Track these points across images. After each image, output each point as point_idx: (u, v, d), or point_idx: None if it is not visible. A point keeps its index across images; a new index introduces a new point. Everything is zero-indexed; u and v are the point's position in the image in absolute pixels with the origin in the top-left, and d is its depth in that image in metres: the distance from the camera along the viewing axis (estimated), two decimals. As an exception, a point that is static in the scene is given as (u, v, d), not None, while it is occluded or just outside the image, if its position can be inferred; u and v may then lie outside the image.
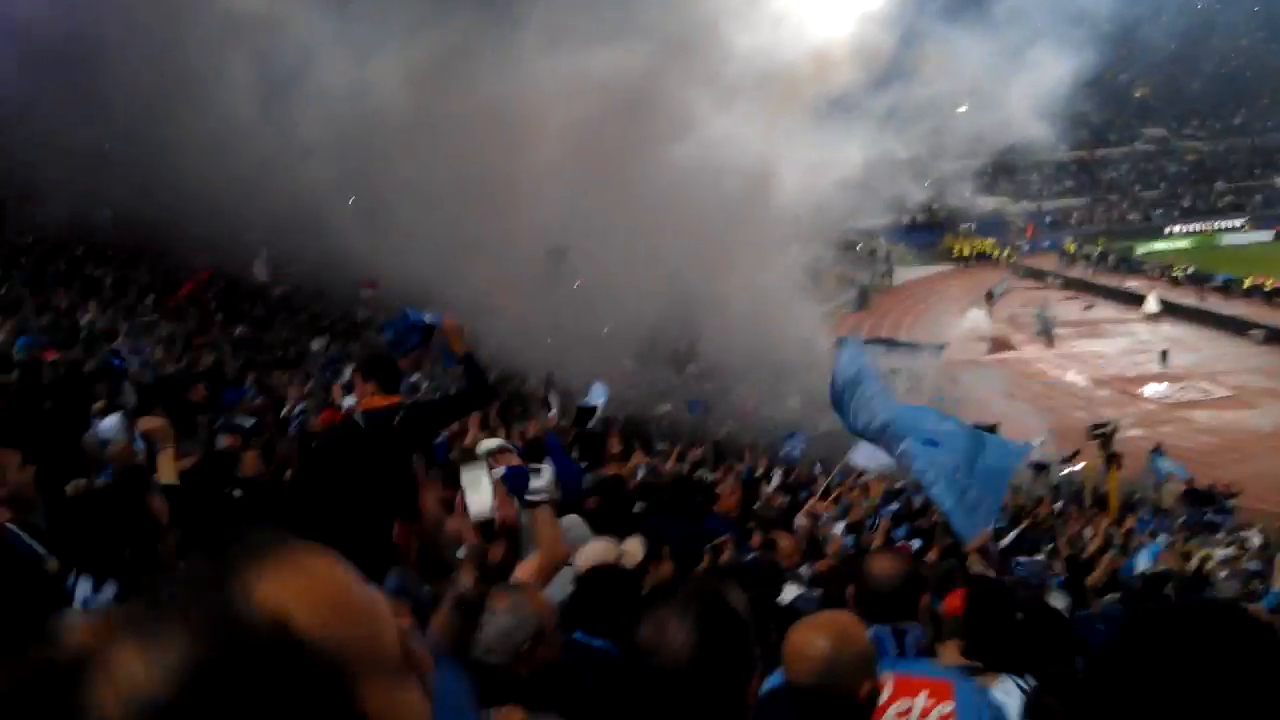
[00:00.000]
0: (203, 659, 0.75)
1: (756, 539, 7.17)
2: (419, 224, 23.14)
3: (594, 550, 3.97)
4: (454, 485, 3.67)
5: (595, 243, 23.93)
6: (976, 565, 5.54)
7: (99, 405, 8.50)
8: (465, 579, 2.86)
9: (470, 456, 3.32)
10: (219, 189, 21.03)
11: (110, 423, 7.95)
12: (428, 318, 5.38)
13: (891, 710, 2.60)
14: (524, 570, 3.27)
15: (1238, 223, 51.03)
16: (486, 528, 3.20)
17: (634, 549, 4.20)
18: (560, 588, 3.53)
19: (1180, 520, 18.57)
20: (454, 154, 23.06)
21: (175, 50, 21.62)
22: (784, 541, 7.18)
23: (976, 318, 37.79)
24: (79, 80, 20.27)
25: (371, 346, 13.59)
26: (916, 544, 10.25)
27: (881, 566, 2.88)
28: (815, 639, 2.13)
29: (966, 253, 47.67)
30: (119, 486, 3.01)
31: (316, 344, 19.02)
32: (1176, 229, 50.81)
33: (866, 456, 10.83)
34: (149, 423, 4.00)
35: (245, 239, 21.92)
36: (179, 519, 3.05)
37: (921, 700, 2.61)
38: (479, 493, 3.21)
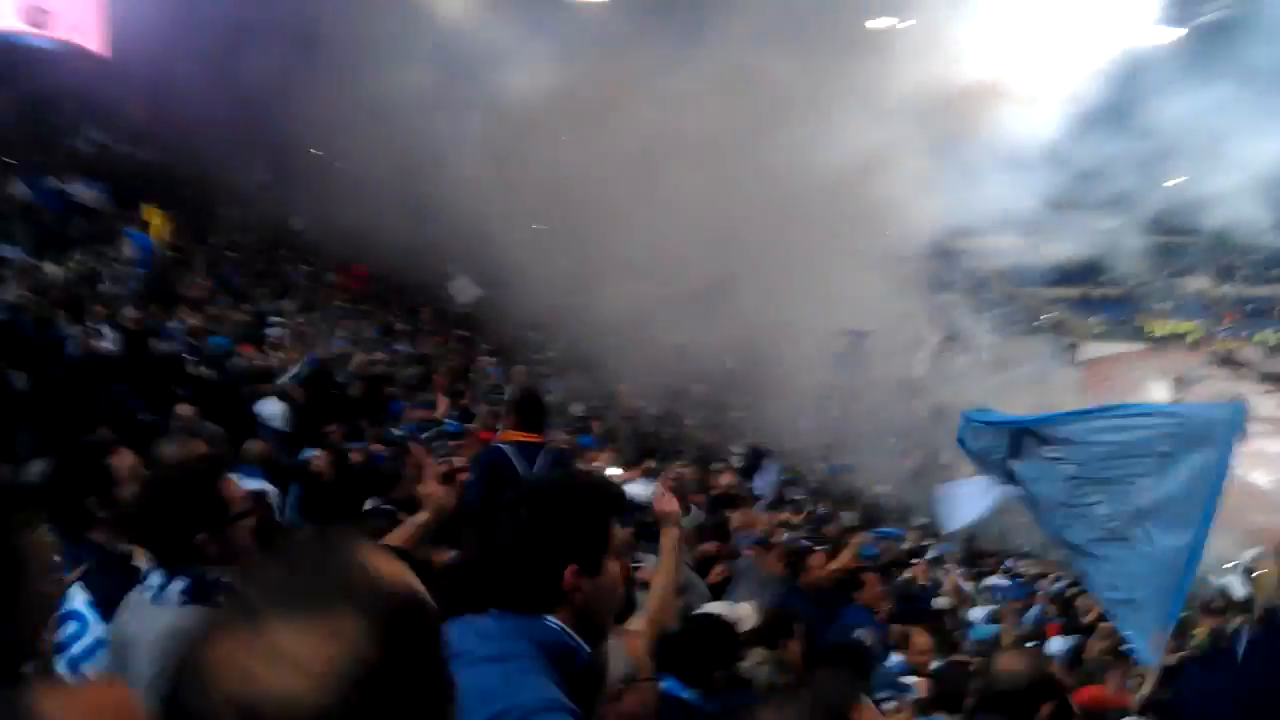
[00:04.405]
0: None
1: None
2: (585, 236, 22.60)
3: (708, 610, 4.05)
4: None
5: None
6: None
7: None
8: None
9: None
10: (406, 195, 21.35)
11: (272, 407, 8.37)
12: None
13: None
14: (635, 621, 3.30)
15: None
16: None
17: (747, 613, 4.03)
18: None
19: None
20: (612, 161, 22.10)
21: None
22: (919, 639, 6.59)
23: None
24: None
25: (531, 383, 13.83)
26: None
27: (1007, 664, 2.83)
28: None
29: (1160, 333, 44.67)
30: (191, 471, 2.79)
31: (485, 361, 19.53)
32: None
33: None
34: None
35: (438, 248, 21.77)
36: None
37: None
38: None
